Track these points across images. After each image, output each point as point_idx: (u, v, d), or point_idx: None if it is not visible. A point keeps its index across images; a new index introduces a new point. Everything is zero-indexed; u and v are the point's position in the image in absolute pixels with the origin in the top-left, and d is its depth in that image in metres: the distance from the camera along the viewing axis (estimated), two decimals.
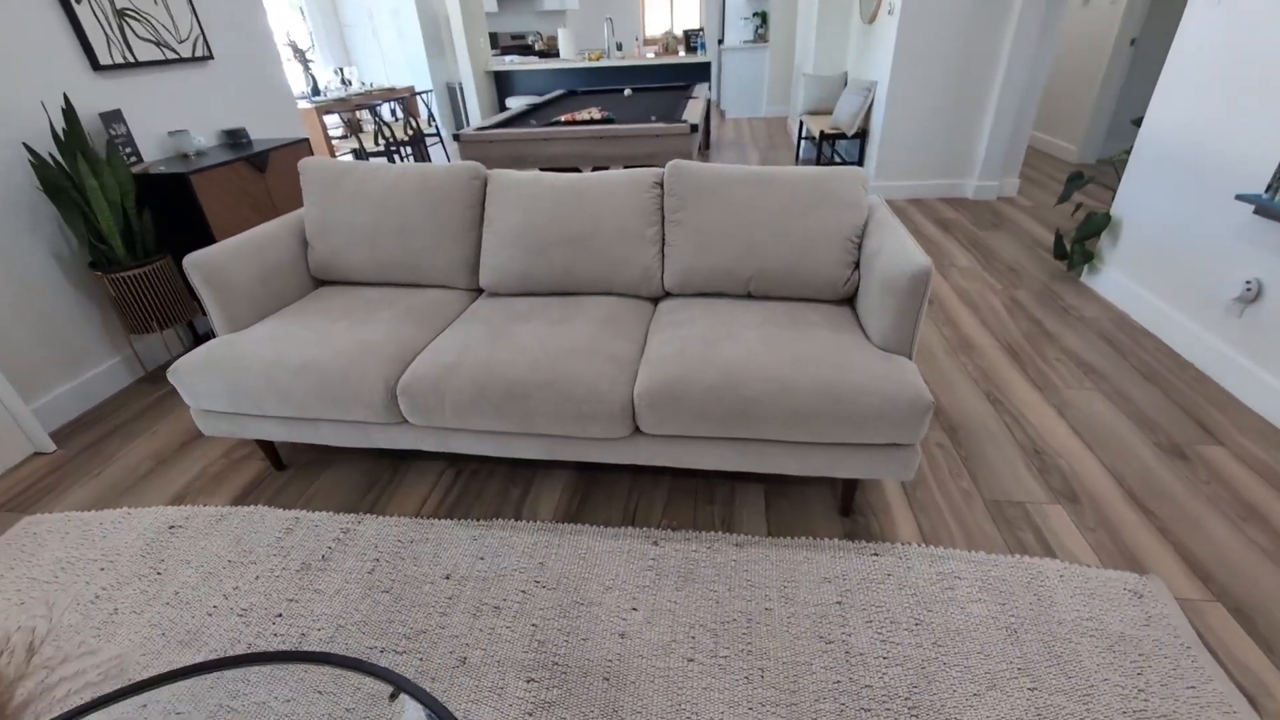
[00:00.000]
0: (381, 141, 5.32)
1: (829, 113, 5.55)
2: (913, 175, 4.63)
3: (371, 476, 2.01)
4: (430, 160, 6.11)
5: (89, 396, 2.46)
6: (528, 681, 1.35)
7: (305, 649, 1.44)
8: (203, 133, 2.97)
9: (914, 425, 1.46)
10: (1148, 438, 2.03)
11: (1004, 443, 2.03)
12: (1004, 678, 1.32)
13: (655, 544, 1.69)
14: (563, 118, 3.83)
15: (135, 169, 2.53)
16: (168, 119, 2.80)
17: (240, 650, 1.45)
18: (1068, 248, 3.26)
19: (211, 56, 2.97)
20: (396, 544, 1.73)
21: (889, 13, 4.30)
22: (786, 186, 1.88)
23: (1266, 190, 2.04)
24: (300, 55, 6.05)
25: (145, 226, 2.43)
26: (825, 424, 1.49)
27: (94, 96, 2.48)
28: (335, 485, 1.99)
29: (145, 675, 1.40)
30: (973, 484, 1.86)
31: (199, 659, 1.43)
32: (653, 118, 3.83)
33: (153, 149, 2.73)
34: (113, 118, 2.51)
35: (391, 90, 6.79)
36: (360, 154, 5.36)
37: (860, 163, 5.01)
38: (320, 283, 2.27)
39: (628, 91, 5.55)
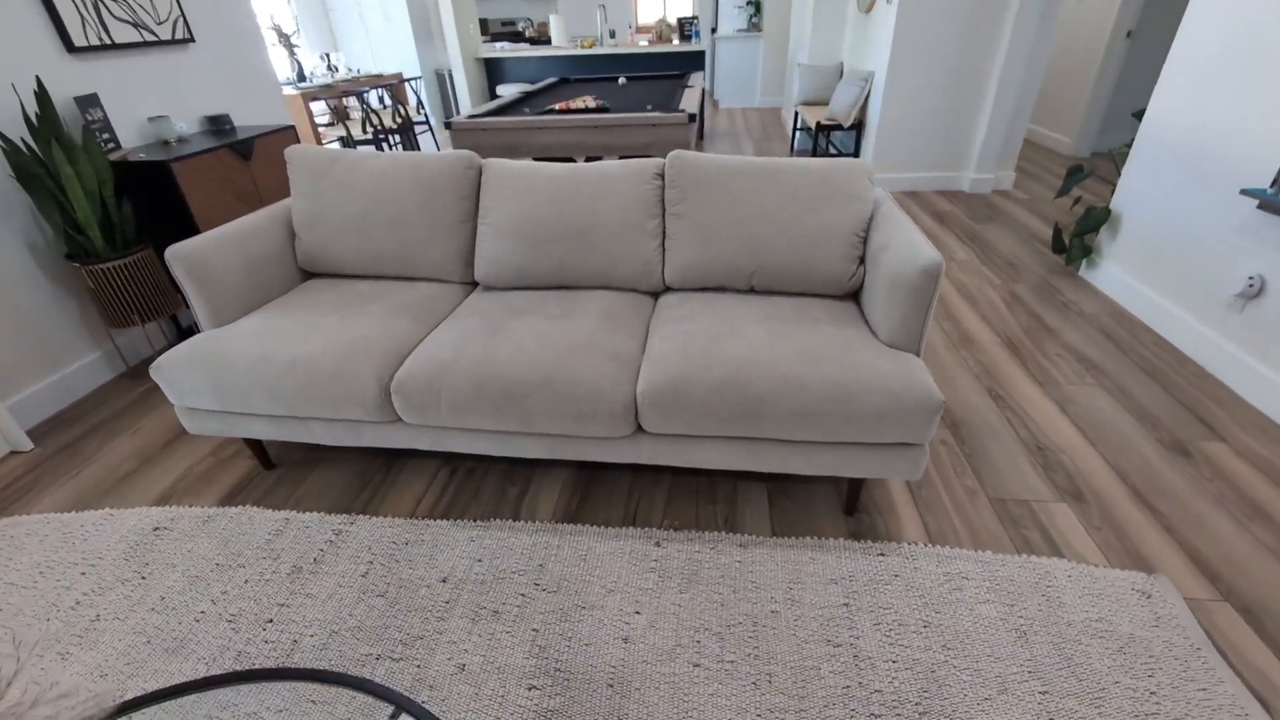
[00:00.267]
0: (369, 129, 5.20)
1: (825, 103, 5.50)
2: (909, 167, 4.59)
3: (364, 475, 1.96)
4: (419, 149, 6.00)
5: (68, 393, 2.38)
6: (529, 689, 1.31)
7: (298, 656, 1.40)
8: (184, 119, 2.87)
9: (924, 425, 1.43)
10: (1150, 434, 2.01)
11: (1007, 440, 2.01)
12: (1015, 681, 1.30)
13: (657, 545, 1.66)
14: (557, 106, 3.75)
15: (113, 156, 2.43)
16: (147, 104, 2.69)
17: (230, 658, 1.40)
18: (1066, 242, 3.25)
19: (192, 39, 2.86)
20: (391, 546, 1.68)
21: (887, 1, 4.25)
22: (791, 179, 1.84)
23: (1272, 185, 2.02)
24: (285, 40, 5.90)
25: (125, 216, 2.34)
26: (834, 423, 1.46)
27: (68, 79, 2.37)
28: (327, 485, 1.93)
29: (129, 683, 1.35)
30: (977, 482, 1.84)
31: (186, 667, 1.38)
32: (649, 107, 3.76)
33: (132, 135, 2.63)
34: (89, 102, 2.41)
35: (379, 77, 6.65)
36: (347, 142, 5.24)
37: (856, 154, 4.97)
38: (309, 275, 2.20)
39: (622, 80, 5.46)
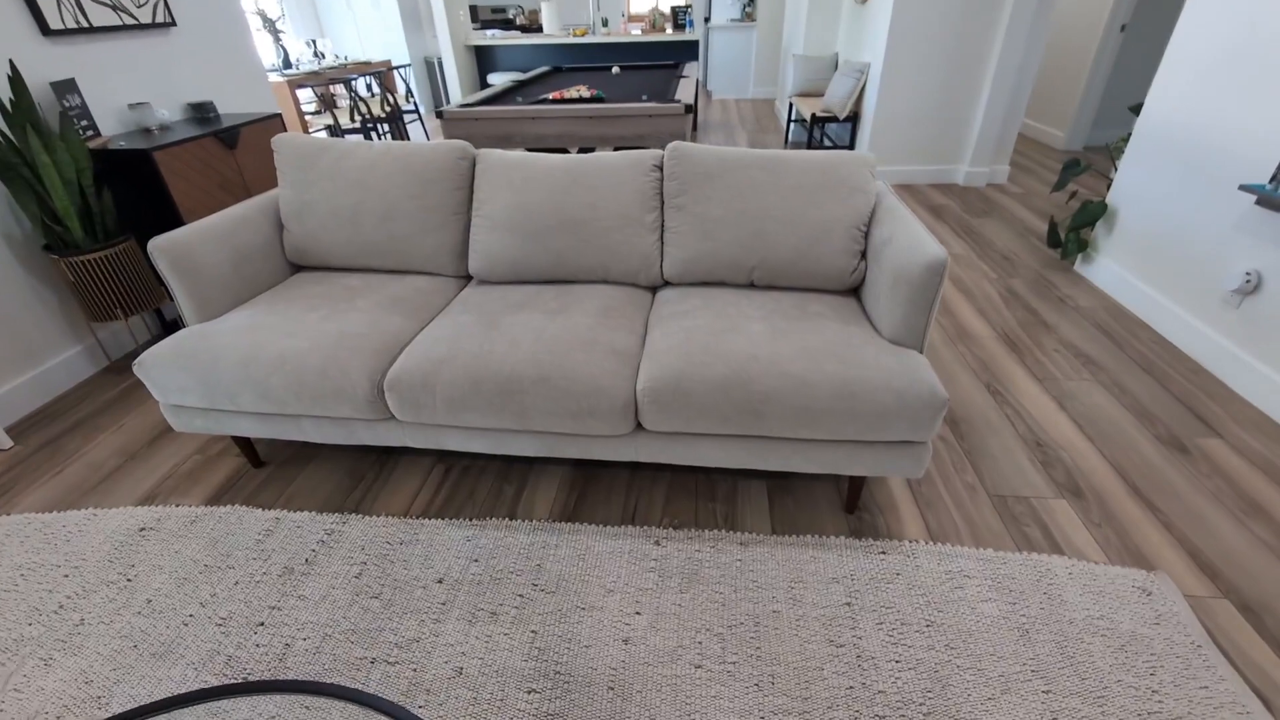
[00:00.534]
0: (357, 118, 5.11)
1: (819, 94, 5.47)
2: (904, 160, 4.58)
3: (356, 473, 1.92)
4: (409, 138, 5.90)
5: (48, 388, 2.31)
6: (528, 692, 1.29)
7: (290, 660, 1.36)
8: (166, 106, 2.79)
9: (928, 422, 1.41)
10: (1148, 430, 2.02)
11: (1006, 436, 2.00)
12: (1018, 680, 1.30)
13: (657, 544, 1.63)
14: (551, 95, 3.69)
15: (92, 144, 2.35)
16: (127, 90, 2.61)
17: (220, 662, 1.37)
18: (1062, 236, 3.24)
19: (174, 23, 2.77)
20: (385, 546, 1.65)
21: None
22: (792, 171, 1.81)
23: (1270, 181, 2.02)
24: (270, 25, 5.77)
25: (105, 207, 2.27)
26: (837, 421, 1.43)
27: (44, 64, 2.29)
28: (318, 483, 1.89)
29: (115, 689, 1.31)
30: (977, 478, 1.83)
31: (175, 672, 1.35)
32: (644, 97, 3.71)
33: (111, 123, 2.55)
34: (66, 88, 2.33)
35: (367, 64, 6.53)
36: (335, 131, 5.14)
37: (852, 146, 4.94)
38: (297, 268, 2.14)
39: (616, 69, 5.39)
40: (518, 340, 1.60)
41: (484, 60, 7.59)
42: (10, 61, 2.01)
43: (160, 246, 1.71)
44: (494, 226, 1.93)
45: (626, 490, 1.82)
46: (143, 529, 1.73)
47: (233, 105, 3.14)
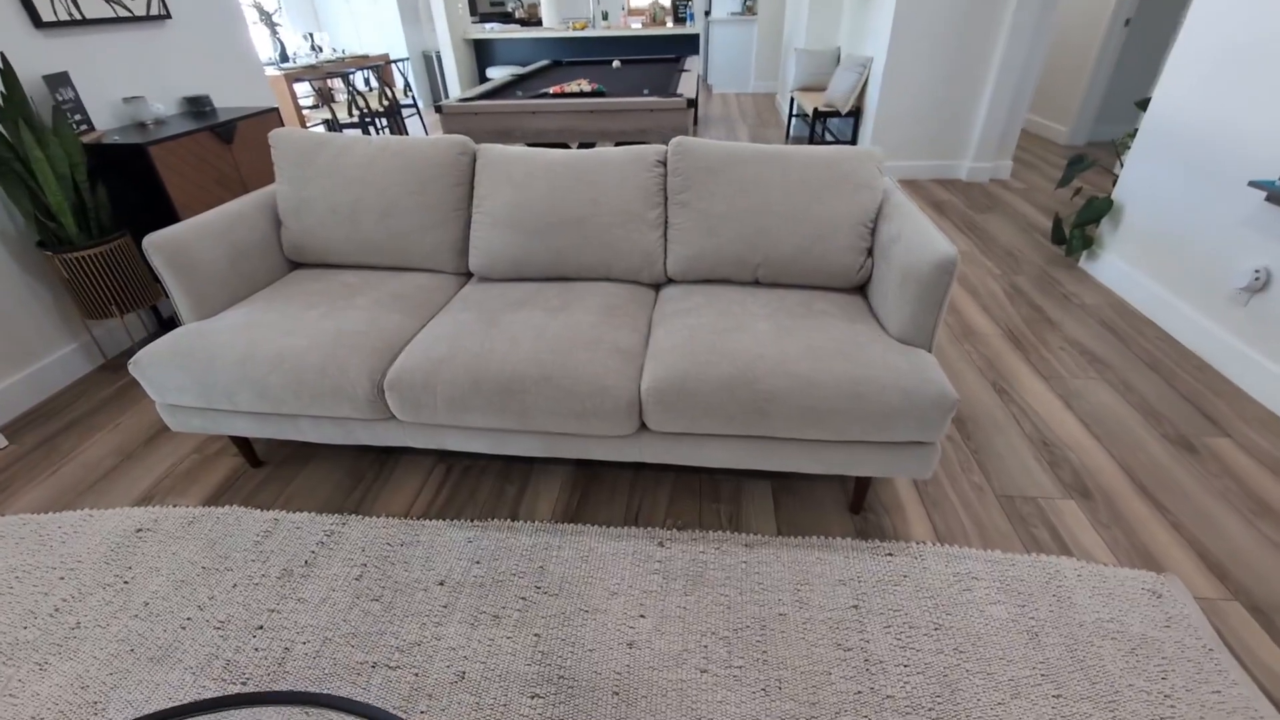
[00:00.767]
0: (355, 112, 5.06)
1: (821, 89, 5.42)
2: (907, 155, 4.54)
3: (356, 473, 1.90)
4: (407, 133, 5.85)
5: (43, 387, 2.28)
6: (532, 698, 1.27)
7: (290, 665, 1.34)
8: (161, 100, 2.75)
9: (937, 423, 1.39)
10: (1155, 429, 2.00)
11: (1013, 435, 1.98)
12: (1028, 685, 1.28)
13: (661, 545, 1.61)
14: (551, 90, 3.65)
15: (86, 138, 2.32)
16: (122, 84, 2.57)
17: (218, 667, 1.34)
18: (1067, 233, 3.22)
19: (169, 15, 2.73)
20: (385, 547, 1.63)
21: None
22: (798, 166, 1.78)
23: None
24: (266, 18, 5.71)
25: (100, 202, 2.24)
26: (844, 421, 1.41)
27: (36, 57, 2.25)
28: (317, 483, 1.87)
29: (112, 694, 1.29)
30: (984, 479, 1.81)
31: (172, 677, 1.32)
32: (645, 91, 3.67)
33: (106, 117, 2.51)
34: (59, 81, 2.29)
35: (365, 58, 6.47)
36: (333, 125, 5.09)
37: (854, 141, 4.91)
38: (295, 265, 2.11)
39: (616, 63, 5.35)
40: (519, 339, 1.58)
41: (483, 54, 7.53)
42: (2, 54, 1.97)
43: (156, 243, 1.68)
44: (495, 223, 1.90)
45: (630, 490, 1.80)
46: (139, 530, 1.71)
47: (229, 99, 3.10)
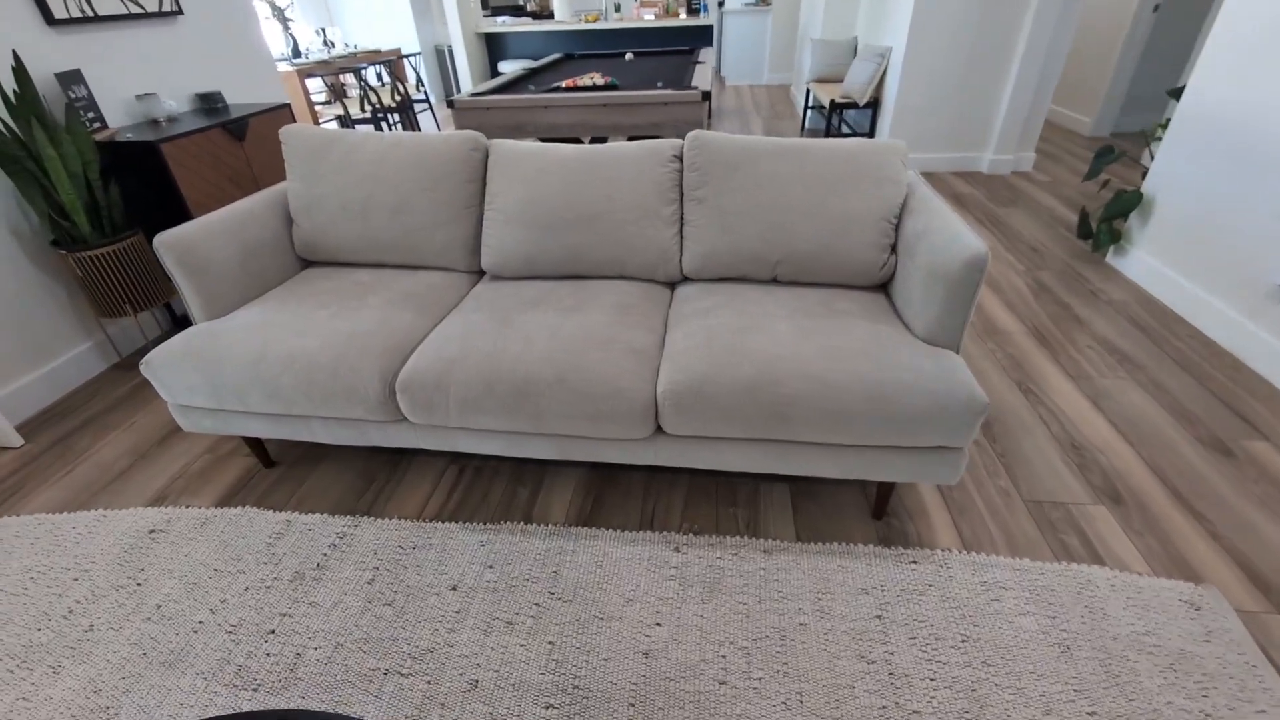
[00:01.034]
0: (368, 108, 5.04)
1: (838, 80, 5.32)
2: (926, 147, 4.44)
3: (368, 474, 1.88)
4: (419, 128, 5.83)
5: (58, 385, 2.29)
6: (546, 708, 1.24)
7: (301, 670, 1.32)
8: (174, 97, 2.74)
9: (965, 428, 1.34)
10: (1189, 432, 1.92)
11: (1040, 437, 1.92)
12: (1060, 700, 1.23)
13: (677, 550, 1.58)
14: (564, 83, 3.60)
15: (99, 136, 2.31)
16: (135, 81, 2.56)
17: (230, 673, 1.33)
18: (1093, 227, 3.12)
19: (180, 12, 2.72)
20: (398, 550, 1.61)
21: None
22: (819, 160, 1.72)
23: None
24: (279, 13, 5.71)
25: (112, 200, 2.23)
26: (868, 426, 1.36)
27: (49, 55, 2.24)
28: (329, 484, 1.85)
29: (124, 699, 1.28)
30: (1011, 483, 1.75)
31: (183, 682, 1.31)
32: (659, 84, 3.61)
33: (119, 114, 2.51)
34: (71, 79, 2.28)
35: (377, 53, 6.45)
36: (345, 121, 5.08)
37: (871, 134, 4.81)
38: (307, 263, 2.09)
39: (629, 56, 5.28)
40: (532, 339, 1.54)
41: (494, 48, 7.49)
42: (14, 52, 1.97)
43: (166, 243, 1.66)
44: (507, 220, 1.86)
45: (644, 493, 1.76)
46: (153, 531, 1.70)
47: (241, 95, 3.09)
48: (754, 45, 8.35)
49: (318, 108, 5.62)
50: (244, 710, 1.25)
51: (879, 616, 1.39)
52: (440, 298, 1.85)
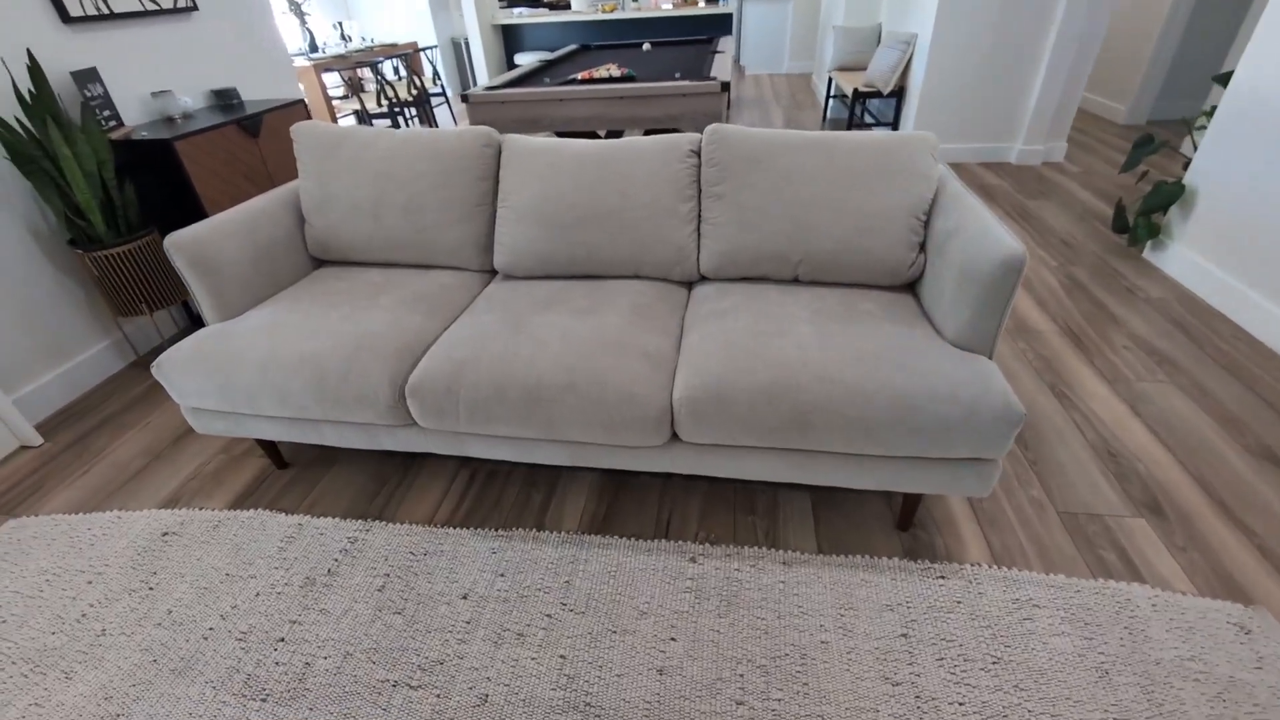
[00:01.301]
0: (385, 102, 5.03)
1: (861, 68, 5.18)
2: (953, 138, 4.30)
3: (380, 477, 1.85)
4: (436, 122, 5.81)
5: (76, 384, 2.30)
6: None
7: (310, 680, 1.30)
8: (189, 93, 2.73)
9: (1000, 439, 1.27)
10: (1235, 439, 1.82)
11: (1075, 445, 1.83)
12: None
13: (693, 560, 1.53)
14: (579, 75, 3.54)
15: (115, 134, 2.31)
16: (150, 78, 2.56)
17: (239, 682, 1.31)
18: (1130, 221, 2.99)
19: (195, 7, 2.70)
20: (409, 556, 1.58)
21: None
22: (844, 154, 1.65)
23: None
24: (295, 7, 5.70)
25: (127, 199, 2.23)
26: (895, 435, 1.30)
27: (64, 53, 2.24)
28: (341, 487, 1.83)
29: (134, 706, 1.27)
30: (1044, 493, 1.67)
31: (193, 691, 1.30)
32: (677, 75, 3.53)
33: (135, 112, 2.51)
34: (87, 77, 2.28)
35: (394, 46, 6.43)
36: (363, 116, 5.07)
37: (896, 124, 4.68)
38: (320, 263, 2.07)
39: (646, 46, 5.19)
40: (545, 342, 1.49)
41: (511, 39, 7.43)
42: (29, 51, 1.96)
43: (177, 243, 1.64)
44: (520, 218, 1.81)
45: (659, 500, 1.72)
46: (166, 533, 1.69)
47: (257, 91, 3.08)
48: (774, 33, 8.18)
49: (335, 102, 5.62)
50: None
51: (904, 635, 1.33)
52: (452, 298, 1.81)
